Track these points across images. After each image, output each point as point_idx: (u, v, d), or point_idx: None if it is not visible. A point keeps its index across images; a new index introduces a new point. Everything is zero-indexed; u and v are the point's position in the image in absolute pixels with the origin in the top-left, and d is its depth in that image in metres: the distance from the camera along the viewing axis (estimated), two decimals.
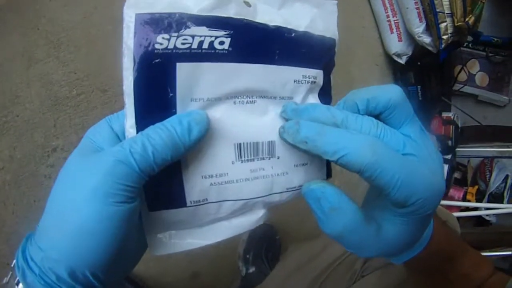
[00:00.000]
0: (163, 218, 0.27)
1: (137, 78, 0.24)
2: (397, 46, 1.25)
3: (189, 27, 0.24)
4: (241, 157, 0.28)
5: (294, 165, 0.30)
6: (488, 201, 1.38)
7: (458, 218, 1.32)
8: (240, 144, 0.28)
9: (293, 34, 0.28)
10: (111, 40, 0.90)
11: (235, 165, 0.28)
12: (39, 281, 0.25)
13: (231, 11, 0.26)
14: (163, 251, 0.29)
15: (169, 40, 0.24)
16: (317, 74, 0.31)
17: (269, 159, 0.29)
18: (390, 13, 1.22)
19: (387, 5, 1.21)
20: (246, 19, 0.26)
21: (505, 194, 1.38)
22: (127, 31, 0.24)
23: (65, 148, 0.85)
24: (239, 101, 0.28)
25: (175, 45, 0.24)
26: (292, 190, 0.31)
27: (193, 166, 0.27)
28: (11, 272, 0.27)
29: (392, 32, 1.23)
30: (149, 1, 0.24)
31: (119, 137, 0.28)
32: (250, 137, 0.28)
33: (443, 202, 1.29)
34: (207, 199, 0.28)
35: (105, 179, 0.23)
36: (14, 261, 0.27)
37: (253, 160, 0.29)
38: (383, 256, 0.31)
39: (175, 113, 0.25)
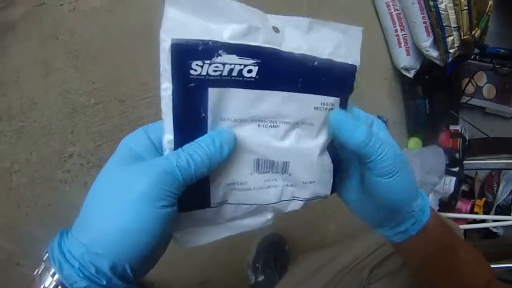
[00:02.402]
0: (190, 217, 0.31)
1: (174, 100, 0.27)
2: (405, 60, 1.26)
3: (221, 55, 0.26)
4: (258, 170, 0.32)
5: (303, 182, 0.34)
6: (496, 213, 1.37)
7: (466, 230, 1.32)
8: (259, 159, 0.32)
9: (316, 63, 0.31)
10: (128, 52, 0.93)
11: (253, 176, 0.32)
12: (78, 274, 0.27)
13: (260, 39, 0.28)
14: (188, 245, 0.33)
15: (202, 67, 0.26)
16: (334, 102, 0.34)
17: (282, 174, 0.33)
18: (398, 27, 1.23)
19: (395, 19, 1.23)
20: (274, 48, 0.28)
21: None
22: (163, 54, 0.26)
23: (82, 155, 0.88)
24: (263, 125, 0.31)
25: (207, 72, 0.26)
26: (298, 200, 0.36)
27: (219, 175, 0.30)
28: (43, 265, 0.29)
29: (400, 47, 1.25)
30: (184, 27, 0.25)
31: (156, 146, 0.31)
32: (269, 156, 0.32)
33: (451, 214, 1.29)
34: (227, 201, 0.32)
35: (154, 185, 0.26)
36: (47, 254, 0.30)
37: (268, 172, 0.33)
38: (388, 207, 0.38)
39: (206, 131, 0.29)
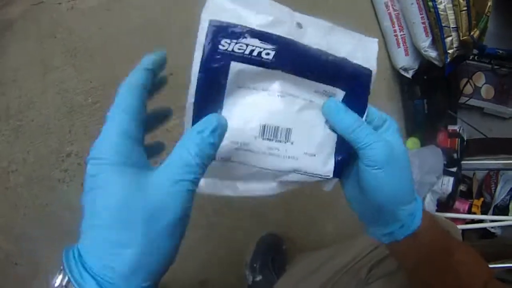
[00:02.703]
0: None
1: (201, 66, 0.32)
2: (404, 60, 1.26)
3: (246, 37, 0.32)
4: (263, 135, 0.35)
5: (304, 153, 0.37)
6: (494, 214, 1.38)
7: (464, 230, 1.33)
8: (264, 125, 0.35)
9: (330, 57, 0.35)
10: (126, 50, 0.92)
11: (257, 140, 0.35)
12: None
13: (283, 30, 0.33)
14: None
15: (229, 44, 0.32)
16: (338, 92, 0.37)
17: (285, 143, 0.36)
18: (397, 27, 1.23)
19: (394, 19, 1.23)
20: (293, 39, 0.33)
21: (510, 206, 1.38)
22: (201, 31, 0.31)
23: (80, 154, 0.87)
24: (273, 94, 0.35)
25: (233, 49, 0.32)
26: (298, 173, 0.38)
27: (226, 133, 0.32)
28: None
29: (399, 47, 1.25)
30: (221, 11, 0.31)
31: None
32: (273, 122, 0.35)
33: (449, 214, 1.29)
34: (230, 158, 0.35)
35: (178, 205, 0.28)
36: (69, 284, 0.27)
37: (272, 140, 0.35)
38: (385, 201, 0.38)
39: (223, 96, 0.33)
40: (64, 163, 0.87)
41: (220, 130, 0.30)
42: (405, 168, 0.38)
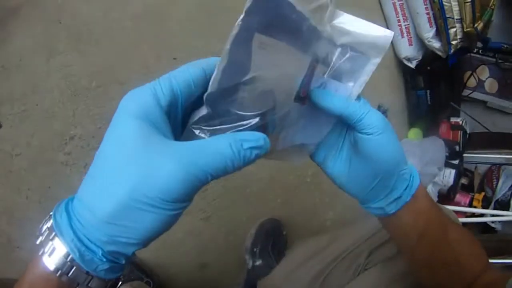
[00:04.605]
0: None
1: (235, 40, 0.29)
2: (407, 50, 1.26)
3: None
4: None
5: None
6: (494, 208, 1.38)
7: (464, 224, 1.33)
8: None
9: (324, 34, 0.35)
10: (130, 35, 0.93)
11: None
12: (100, 259, 0.28)
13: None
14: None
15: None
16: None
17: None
18: (401, 17, 1.23)
19: (398, 9, 1.23)
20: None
21: (511, 201, 1.38)
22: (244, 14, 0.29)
23: (83, 137, 0.88)
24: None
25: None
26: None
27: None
28: (52, 245, 0.28)
29: (403, 37, 1.25)
30: None
31: (163, 109, 0.30)
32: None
33: (450, 207, 1.29)
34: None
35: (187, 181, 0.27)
36: (53, 234, 0.28)
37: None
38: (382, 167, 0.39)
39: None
40: (68, 146, 0.87)
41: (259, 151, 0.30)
42: (390, 126, 0.40)
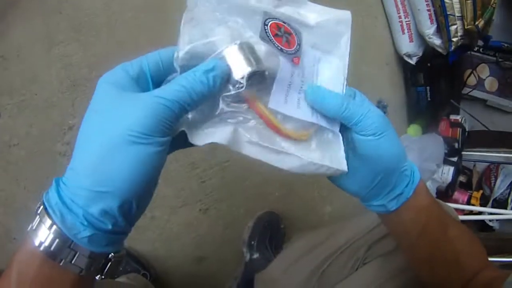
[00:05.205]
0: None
1: None
2: (408, 46, 1.26)
3: None
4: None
5: None
6: (492, 207, 1.38)
7: (462, 221, 1.32)
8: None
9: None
10: (130, 26, 0.93)
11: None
12: (82, 222, 0.27)
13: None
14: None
15: None
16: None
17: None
18: (402, 14, 1.23)
19: (399, 6, 1.23)
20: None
21: (509, 200, 1.38)
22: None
23: None
24: None
25: None
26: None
27: None
28: (38, 218, 0.28)
29: (403, 33, 1.25)
30: None
31: (136, 82, 0.32)
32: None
33: (448, 204, 1.29)
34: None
35: (155, 119, 0.29)
36: (41, 207, 0.28)
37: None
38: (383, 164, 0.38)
39: None
40: (66, 136, 0.87)
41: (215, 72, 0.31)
42: (390, 124, 0.39)
